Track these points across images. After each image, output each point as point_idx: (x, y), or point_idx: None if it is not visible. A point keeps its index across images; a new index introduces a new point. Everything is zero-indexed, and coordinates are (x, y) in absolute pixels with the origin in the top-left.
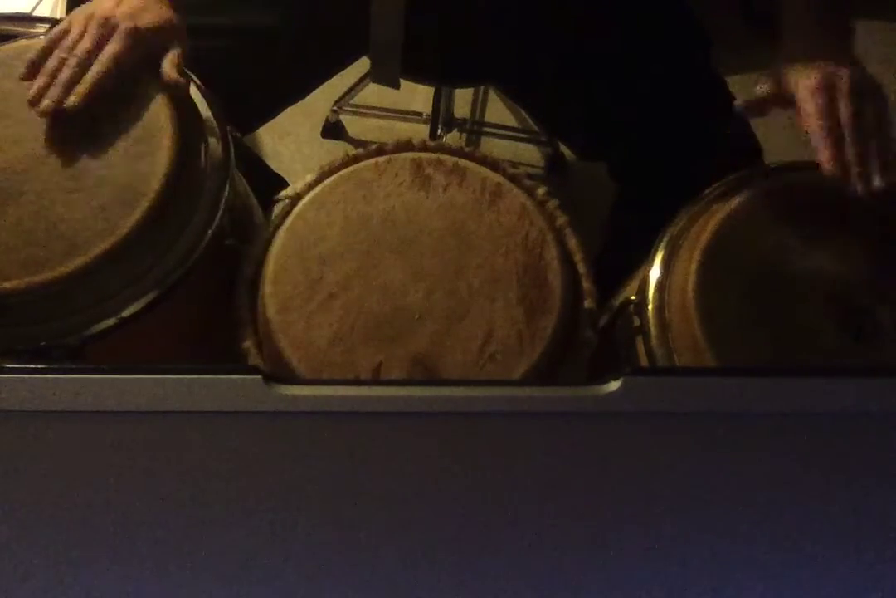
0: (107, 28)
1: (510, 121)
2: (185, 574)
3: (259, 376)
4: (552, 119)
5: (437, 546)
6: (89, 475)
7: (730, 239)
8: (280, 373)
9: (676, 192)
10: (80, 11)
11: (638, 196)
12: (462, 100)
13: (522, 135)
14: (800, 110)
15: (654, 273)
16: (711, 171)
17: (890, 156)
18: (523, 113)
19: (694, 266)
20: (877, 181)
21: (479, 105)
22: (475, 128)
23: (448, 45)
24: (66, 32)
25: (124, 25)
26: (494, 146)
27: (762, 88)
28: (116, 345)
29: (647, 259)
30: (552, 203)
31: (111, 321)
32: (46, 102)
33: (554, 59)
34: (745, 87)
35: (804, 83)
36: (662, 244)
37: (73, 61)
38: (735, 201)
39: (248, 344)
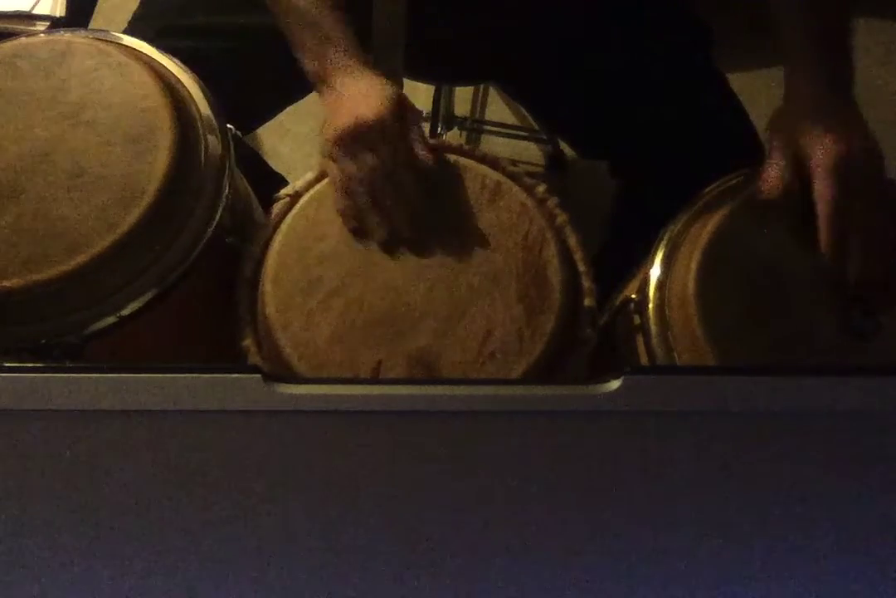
0: (369, 137)
1: (510, 119)
2: (184, 574)
3: (258, 375)
4: (552, 117)
5: (437, 545)
6: (89, 475)
7: (730, 238)
8: (280, 372)
9: (677, 190)
10: (334, 141)
11: (638, 194)
12: (462, 98)
13: (522, 133)
14: (813, 186)
15: (655, 272)
16: (712, 169)
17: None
18: (523, 111)
19: (694, 265)
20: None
21: (479, 103)
22: (475, 126)
23: (448, 44)
24: (346, 174)
25: (387, 126)
26: (494, 144)
27: (774, 174)
28: (116, 343)
29: (647, 258)
30: (552, 201)
31: (111, 320)
32: (407, 230)
33: (554, 58)
34: (746, 87)
35: (819, 158)
36: (663, 243)
37: (378, 183)
38: (735, 200)
39: (247, 343)
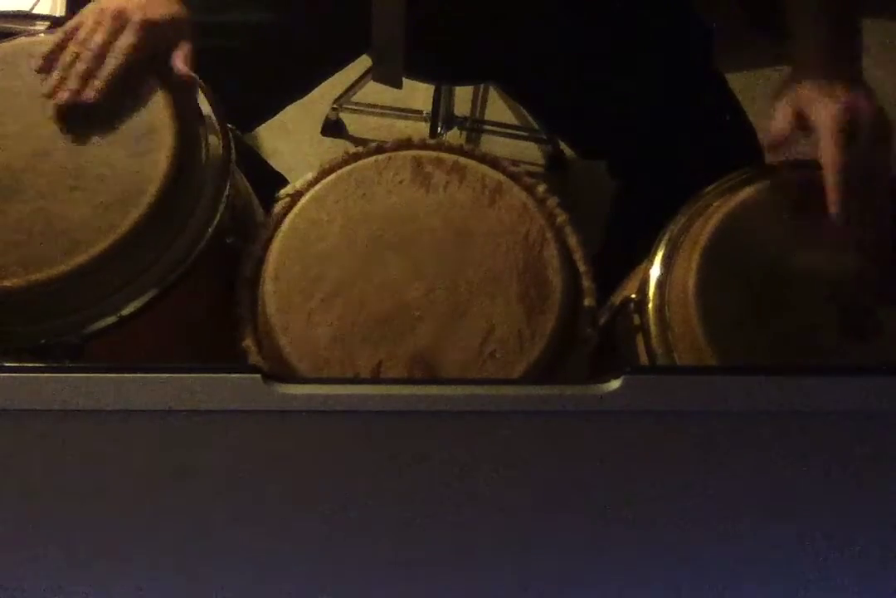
0: (120, 21)
1: (510, 119)
2: (184, 573)
3: (258, 375)
4: (552, 117)
5: (438, 545)
6: (89, 474)
7: (730, 238)
8: (280, 371)
9: (676, 190)
10: (93, 5)
11: (638, 194)
12: (462, 98)
13: (523, 133)
14: (818, 143)
15: (655, 271)
16: (712, 169)
17: (883, 204)
18: (523, 111)
19: (694, 265)
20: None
21: (479, 103)
22: (475, 126)
23: (448, 44)
24: (79, 26)
25: (137, 18)
26: (494, 144)
27: (781, 121)
28: (116, 343)
29: (647, 257)
30: (552, 201)
31: (111, 319)
32: (64, 95)
33: (554, 58)
34: (746, 86)
35: (825, 117)
36: (663, 242)
37: (88, 54)
38: (735, 200)
39: (247, 342)
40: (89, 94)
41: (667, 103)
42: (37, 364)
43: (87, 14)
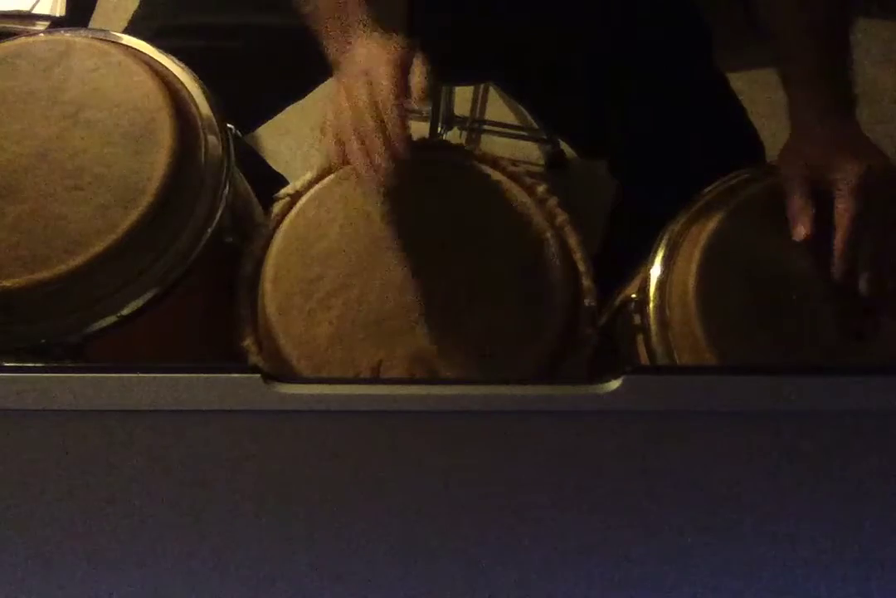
0: (366, 79)
1: (510, 118)
2: (185, 573)
3: (258, 375)
4: (552, 117)
5: (438, 545)
6: (89, 475)
7: (730, 238)
8: (280, 371)
9: (677, 190)
10: (336, 91)
11: (638, 194)
12: (462, 97)
13: (523, 132)
14: (835, 205)
15: (655, 271)
16: (712, 169)
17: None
18: (523, 110)
19: (694, 265)
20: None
21: (479, 103)
22: (475, 126)
23: (448, 44)
24: (341, 110)
25: (376, 69)
26: (494, 144)
27: (799, 196)
28: (116, 343)
29: (647, 257)
30: (552, 201)
31: (111, 319)
32: (382, 163)
33: (554, 57)
34: (746, 87)
35: (841, 180)
36: (663, 242)
37: (365, 117)
38: (736, 200)
39: (247, 342)
40: (401, 147)
41: (667, 103)
42: (37, 364)
43: (338, 100)
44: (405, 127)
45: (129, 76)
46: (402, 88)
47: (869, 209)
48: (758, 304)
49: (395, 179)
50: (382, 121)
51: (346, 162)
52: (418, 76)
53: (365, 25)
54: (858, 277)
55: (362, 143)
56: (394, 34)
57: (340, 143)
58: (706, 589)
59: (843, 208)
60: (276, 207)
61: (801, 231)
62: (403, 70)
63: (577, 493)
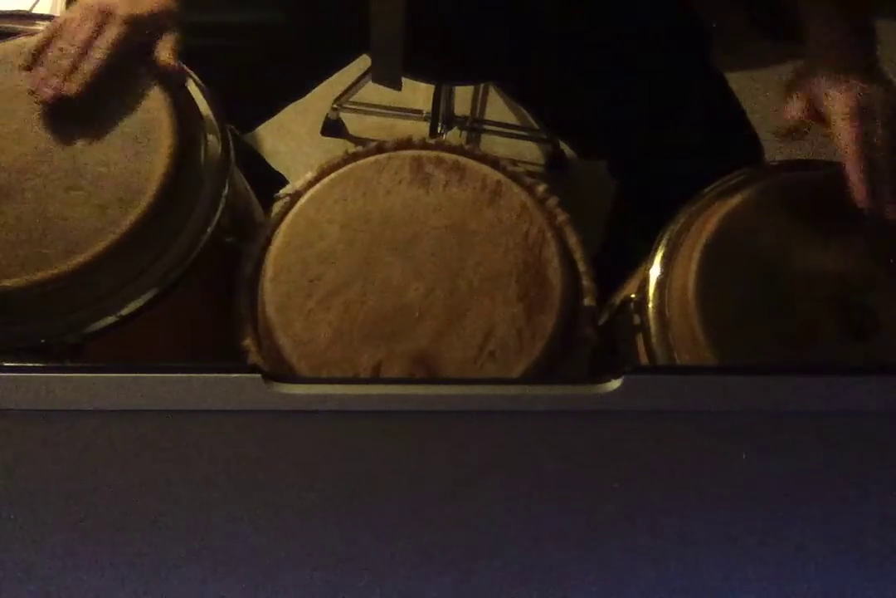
0: (104, 16)
1: (510, 119)
2: (184, 573)
3: (258, 375)
4: (552, 117)
5: (437, 545)
6: (89, 474)
7: (730, 237)
8: (279, 371)
9: (676, 190)
10: (81, 1)
11: (638, 194)
12: (462, 98)
13: (522, 133)
14: (833, 131)
15: (655, 271)
16: (711, 169)
17: None
18: (523, 111)
19: (694, 264)
20: None
21: (479, 103)
22: (475, 126)
23: (448, 44)
24: (66, 22)
25: (121, 12)
26: (494, 144)
27: (794, 108)
28: (116, 343)
29: (647, 257)
30: (552, 201)
31: (111, 319)
32: (46, 91)
33: (554, 57)
34: (746, 86)
35: (839, 105)
36: (663, 242)
37: (71, 50)
38: (735, 200)
39: (247, 342)
40: (71, 88)
41: (667, 103)
42: (37, 364)
43: (74, 10)
44: (90, 79)
45: (129, 76)
46: (120, 49)
47: (874, 130)
48: (757, 303)
49: (44, 103)
50: (76, 66)
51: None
52: (167, 46)
53: None
54: (884, 203)
55: (60, 53)
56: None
57: (48, 40)
58: (707, 588)
59: (844, 127)
60: (276, 207)
61: (787, 115)
62: (140, 30)
63: (578, 493)
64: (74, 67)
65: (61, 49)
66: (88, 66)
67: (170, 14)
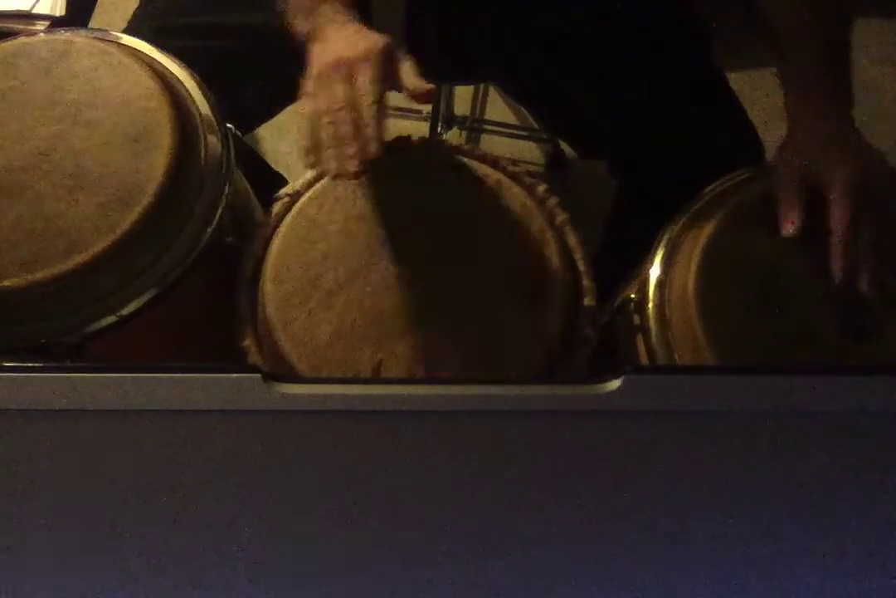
0: (347, 68)
1: (510, 118)
2: (185, 574)
3: (258, 375)
4: (552, 116)
5: (437, 545)
6: (89, 474)
7: (730, 237)
8: (280, 371)
9: (677, 190)
10: (309, 74)
11: (638, 194)
12: (462, 98)
13: (522, 132)
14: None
15: (655, 271)
16: (712, 169)
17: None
18: (523, 111)
19: (694, 264)
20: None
21: (479, 103)
22: (475, 125)
23: (448, 44)
24: (313, 102)
25: (351, 55)
26: (494, 144)
27: (792, 193)
28: (116, 343)
29: (647, 257)
30: (552, 201)
31: (111, 319)
32: (353, 163)
33: (554, 57)
34: (746, 87)
35: (835, 185)
36: (663, 242)
37: (340, 115)
38: (736, 200)
39: (247, 342)
40: (370, 148)
41: (667, 103)
42: (37, 364)
43: (309, 82)
44: (382, 129)
45: (129, 76)
46: (383, 86)
47: (864, 209)
48: (757, 304)
49: (364, 174)
50: (358, 124)
51: (314, 165)
52: (409, 72)
53: (339, 13)
54: (857, 277)
55: (336, 146)
56: (370, 28)
57: (315, 149)
58: (707, 588)
59: (838, 208)
60: (276, 207)
61: (788, 228)
62: (384, 63)
63: (578, 493)
64: (357, 128)
65: (331, 122)
66: (368, 116)
67: (389, 42)
